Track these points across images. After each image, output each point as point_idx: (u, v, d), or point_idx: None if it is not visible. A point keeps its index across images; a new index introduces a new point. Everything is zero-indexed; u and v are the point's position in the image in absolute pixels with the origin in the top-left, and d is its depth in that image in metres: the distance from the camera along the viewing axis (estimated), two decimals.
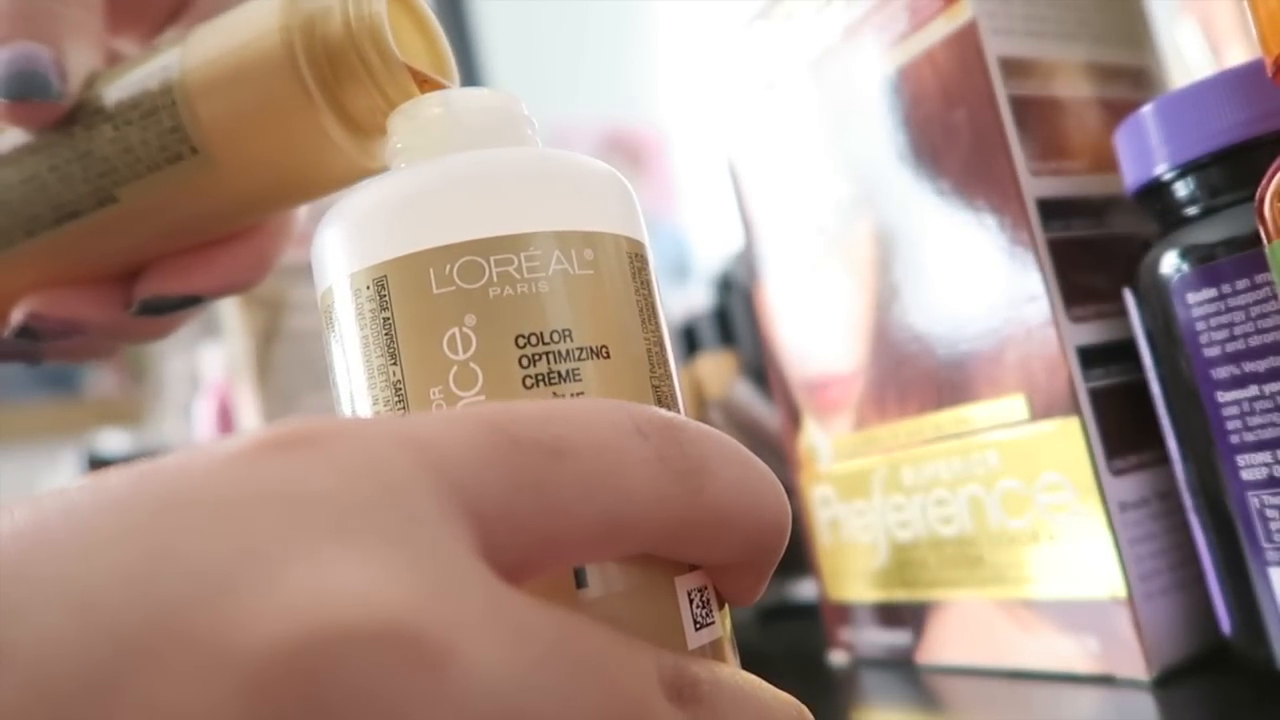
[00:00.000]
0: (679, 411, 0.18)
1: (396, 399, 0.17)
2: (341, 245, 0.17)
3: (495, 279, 0.16)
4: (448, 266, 0.16)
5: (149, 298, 0.24)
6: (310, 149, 0.21)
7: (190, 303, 0.25)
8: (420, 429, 0.13)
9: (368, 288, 0.17)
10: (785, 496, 0.16)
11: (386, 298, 0.17)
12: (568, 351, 0.17)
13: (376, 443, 0.12)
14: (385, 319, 0.17)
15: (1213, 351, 0.22)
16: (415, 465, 0.12)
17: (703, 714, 0.13)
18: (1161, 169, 0.24)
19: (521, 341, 0.16)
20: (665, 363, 0.18)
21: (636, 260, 0.18)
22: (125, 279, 0.25)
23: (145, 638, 0.10)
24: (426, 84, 0.21)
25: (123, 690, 0.09)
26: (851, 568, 0.33)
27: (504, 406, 0.14)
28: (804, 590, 0.45)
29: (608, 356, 0.17)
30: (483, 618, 0.11)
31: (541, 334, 0.16)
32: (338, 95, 0.21)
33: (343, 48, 0.20)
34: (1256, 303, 0.22)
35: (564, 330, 0.17)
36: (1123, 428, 0.26)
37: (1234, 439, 0.22)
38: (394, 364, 0.17)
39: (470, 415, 0.13)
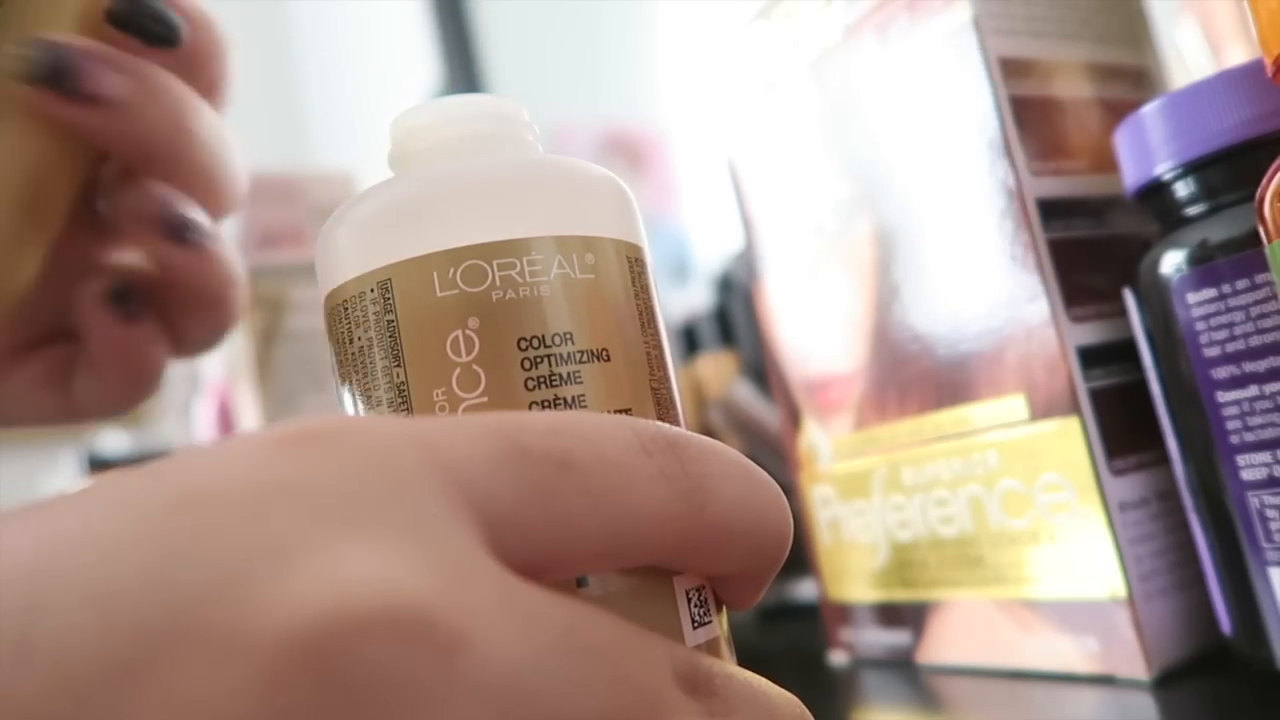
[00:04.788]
0: (678, 413, 0.18)
1: (400, 400, 0.17)
2: (347, 248, 0.18)
3: (498, 282, 0.16)
4: (451, 270, 0.16)
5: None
6: None
7: None
8: (429, 430, 0.13)
9: (372, 290, 0.17)
10: (788, 510, 0.16)
11: (390, 300, 0.17)
12: (569, 354, 0.17)
13: (385, 440, 0.12)
14: (389, 321, 0.17)
15: (1213, 351, 0.22)
16: (424, 463, 0.12)
17: (716, 706, 0.14)
18: (1162, 169, 0.24)
19: (524, 344, 0.16)
20: (664, 366, 0.18)
21: (636, 265, 0.18)
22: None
23: (164, 629, 0.10)
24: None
25: (143, 680, 0.10)
26: (851, 568, 0.33)
27: (513, 416, 0.14)
28: (804, 590, 0.45)
29: (608, 359, 0.17)
30: (494, 605, 0.11)
31: (543, 337, 0.16)
32: None
33: None
34: (1256, 303, 0.22)
35: (565, 333, 0.17)
36: (1123, 428, 0.26)
37: (1234, 439, 0.22)
38: (398, 365, 0.17)
39: (479, 421, 0.13)
